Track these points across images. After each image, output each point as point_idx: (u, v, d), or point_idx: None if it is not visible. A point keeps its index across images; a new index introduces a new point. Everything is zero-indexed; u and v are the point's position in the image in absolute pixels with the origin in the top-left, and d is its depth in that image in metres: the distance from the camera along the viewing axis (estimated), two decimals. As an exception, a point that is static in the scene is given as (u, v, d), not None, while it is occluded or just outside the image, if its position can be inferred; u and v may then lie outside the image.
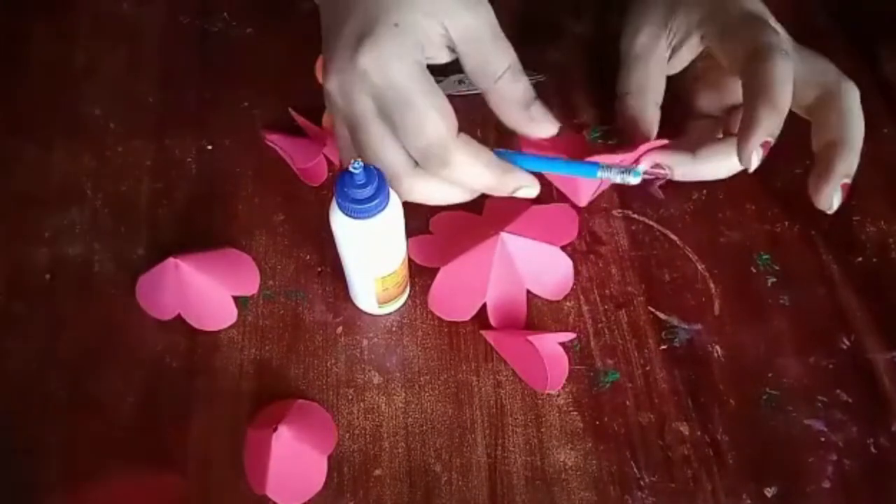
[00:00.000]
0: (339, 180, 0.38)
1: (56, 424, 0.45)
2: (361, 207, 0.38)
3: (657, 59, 0.49)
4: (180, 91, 0.56)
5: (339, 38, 0.39)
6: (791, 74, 0.43)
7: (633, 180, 0.44)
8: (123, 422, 0.45)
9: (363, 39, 0.38)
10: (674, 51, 0.49)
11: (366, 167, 0.38)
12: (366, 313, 0.48)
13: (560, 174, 0.46)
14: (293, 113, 0.54)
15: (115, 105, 0.55)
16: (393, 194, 0.40)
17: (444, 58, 0.41)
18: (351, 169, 0.37)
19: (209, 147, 0.54)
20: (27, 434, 0.44)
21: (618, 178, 0.44)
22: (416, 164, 0.41)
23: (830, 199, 0.44)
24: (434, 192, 0.42)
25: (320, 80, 0.55)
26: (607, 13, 0.59)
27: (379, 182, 0.38)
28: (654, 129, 0.49)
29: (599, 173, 0.44)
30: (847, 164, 0.44)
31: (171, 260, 0.45)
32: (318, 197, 0.52)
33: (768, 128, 0.42)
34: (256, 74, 0.57)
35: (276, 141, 0.53)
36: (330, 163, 0.53)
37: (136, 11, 0.60)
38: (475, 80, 0.41)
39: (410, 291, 0.49)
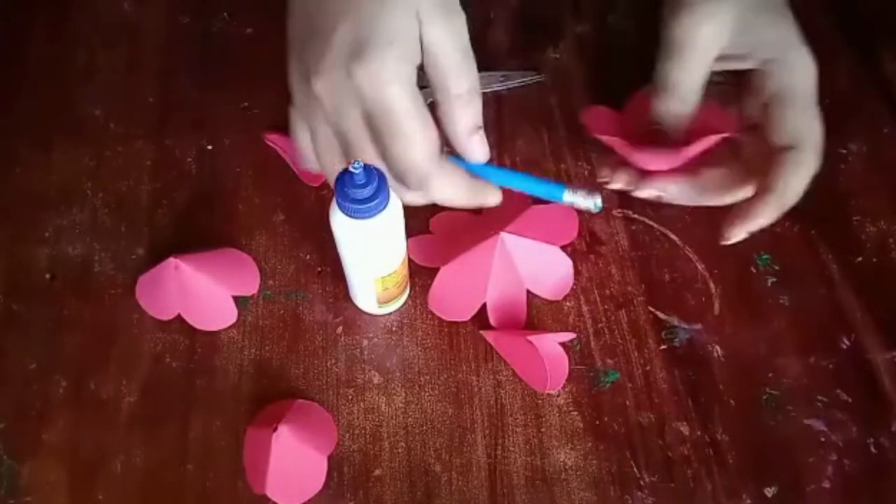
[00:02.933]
0: (338, 180, 0.38)
1: (56, 424, 0.45)
2: (361, 207, 0.38)
3: (709, 54, 0.46)
4: (180, 91, 0.56)
5: (327, 43, 0.39)
6: (809, 178, 0.45)
7: (594, 209, 0.44)
8: (123, 422, 0.45)
9: (360, 53, 0.38)
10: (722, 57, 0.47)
11: (366, 167, 0.38)
12: (366, 313, 0.48)
13: (528, 191, 0.46)
14: (293, 113, 0.54)
15: (115, 105, 0.55)
16: (393, 194, 0.40)
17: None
18: (351, 169, 0.37)
19: (209, 147, 0.54)
20: (27, 434, 0.44)
21: (582, 205, 0.44)
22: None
23: (736, 237, 0.45)
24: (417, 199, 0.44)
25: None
26: (607, 13, 0.60)
27: (379, 182, 0.38)
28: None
29: (565, 197, 0.44)
30: (770, 217, 0.45)
31: (171, 260, 0.45)
32: (318, 197, 0.52)
33: (766, 220, 0.44)
34: (256, 74, 0.57)
35: (276, 141, 0.53)
36: (330, 163, 0.53)
37: (136, 11, 0.60)
38: (434, 90, 0.41)
39: (410, 291, 0.49)
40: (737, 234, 0.45)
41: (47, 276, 0.49)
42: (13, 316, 0.48)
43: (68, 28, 0.59)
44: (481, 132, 0.42)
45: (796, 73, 0.46)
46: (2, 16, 0.59)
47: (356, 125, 0.40)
